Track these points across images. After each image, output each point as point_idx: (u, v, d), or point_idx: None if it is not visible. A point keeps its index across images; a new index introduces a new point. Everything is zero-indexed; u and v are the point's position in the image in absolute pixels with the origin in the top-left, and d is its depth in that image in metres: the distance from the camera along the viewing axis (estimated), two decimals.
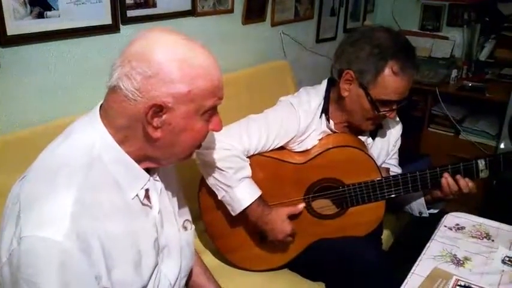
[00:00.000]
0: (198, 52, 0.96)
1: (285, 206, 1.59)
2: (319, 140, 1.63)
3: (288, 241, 1.60)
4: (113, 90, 0.94)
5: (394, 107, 1.55)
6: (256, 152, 1.56)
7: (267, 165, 1.59)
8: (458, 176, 1.52)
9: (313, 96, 1.63)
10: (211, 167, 1.49)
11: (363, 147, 1.63)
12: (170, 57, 0.92)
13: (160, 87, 0.91)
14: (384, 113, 1.54)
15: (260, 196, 1.53)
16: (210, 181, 1.52)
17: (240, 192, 1.50)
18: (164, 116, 0.94)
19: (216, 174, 1.49)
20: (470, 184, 1.51)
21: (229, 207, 1.53)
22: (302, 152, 1.62)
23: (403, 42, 1.54)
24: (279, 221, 1.55)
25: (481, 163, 1.51)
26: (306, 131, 1.60)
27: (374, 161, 1.59)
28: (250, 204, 1.51)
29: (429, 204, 1.66)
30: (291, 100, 1.62)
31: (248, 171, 1.52)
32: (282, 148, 1.62)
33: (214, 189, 1.53)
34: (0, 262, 0.88)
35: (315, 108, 1.61)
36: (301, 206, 1.59)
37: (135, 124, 0.95)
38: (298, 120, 1.57)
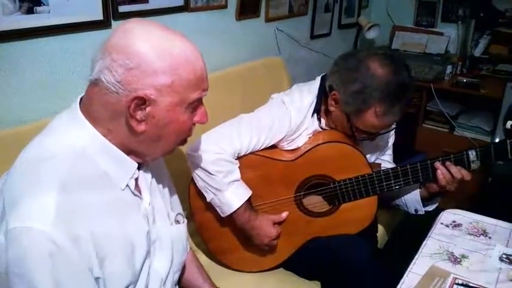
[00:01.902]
0: (179, 42, 0.94)
1: (272, 209, 1.59)
2: (309, 137, 1.62)
3: (273, 245, 1.59)
4: (94, 83, 0.93)
5: (374, 137, 1.57)
6: (247, 153, 1.55)
7: (257, 163, 1.57)
8: (447, 163, 1.51)
9: (306, 94, 1.61)
10: (201, 169, 1.48)
11: (353, 142, 1.61)
12: (151, 47, 0.90)
13: (142, 79, 0.89)
14: (361, 138, 1.56)
15: (248, 200, 1.52)
16: (199, 183, 1.51)
17: (229, 195, 1.48)
18: (148, 109, 0.92)
19: (205, 177, 1.48)
20: (463, 171, 1.50)
21: (218, 209, 1.52)
22: (292, 150, 1.61)
23: (396, 82, 1.44)
24: (265, 226, 1.55)
25: (472, 154, 1.50)
26: (298, 130, 1.58)
27: (364, 156, 1.58)
28: (237, 209, 1.49)
29: (425, 201, 1.66)
30: (283, 98, 1.60)
31: (237, 175, 1.51)
32: (272, 146, 1.61)
33: (203, 192, 1.51)
34: None
35: (307, 106, 1.59)
36: (285, 214, 1.59)
37: (118, 117, 0.93)
38: (290, 119, 1.56)
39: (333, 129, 1.63)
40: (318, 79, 1.66)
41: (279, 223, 1.59)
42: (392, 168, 1.56)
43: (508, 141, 1.46)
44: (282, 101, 1.59)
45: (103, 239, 0.91)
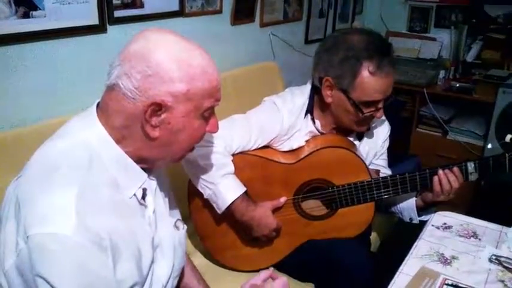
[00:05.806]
0: (196, 53, 0.98)
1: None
2: (308, 140, 1.63)
3: (272, 236, 1.60)
4: (112, 88, 0.95)
5: (379, 106, 1.55)
6: (238, 151, 1.56)
7: (256, 164, 1.59)
8: (447, 170, 1.52)
9: (298, 96, 1.64)
10: (194, 165, 1.49)
11: (352, 148, 1.63)
12: (170, 56, 0.93)
13: (159, 86, 0.92)
14: (368, 114, 1.54)
15: (245, 192, 1.52)
16: (195, 180, 1.52)
17: (224, 188, 1.48)
18: (163, 115, 0.95)
19: (200, 173, 1.49)
20: (460, 180, 1.52)
21: (214, 205, 1.52)
22: (292, 152, 1.62)
23: (376, 41, 1.52)
24: (264, 216, 1.55)
25: (471, 166, 1.52)
26: (290, 131, 1.59)
27: (364, 162, 1.59)
28: (235, 201, 1.49)
29: (420, 211, 1.67)
30: (275, 100, 1.62)
31: (231, 168, 1.52)
32: (269, 147, 1.62)
33: (199, 189, 1.52)
34: (6, 264, 0.86)
35: (299, 107, 1.61)
36: (283, 199, 1.59)
37: (133, 123, 0.95)
38: (282, 120, 1.57)
39: (332, 134, 1.65)
40: (309, 82, 1.68)
41: (284, 216, 1.59)
42: (390, 176, 1.58)
43: (507, 154, 1.48)
44: (274, 103, 1.61)
45: (118, 242, 0.91)
